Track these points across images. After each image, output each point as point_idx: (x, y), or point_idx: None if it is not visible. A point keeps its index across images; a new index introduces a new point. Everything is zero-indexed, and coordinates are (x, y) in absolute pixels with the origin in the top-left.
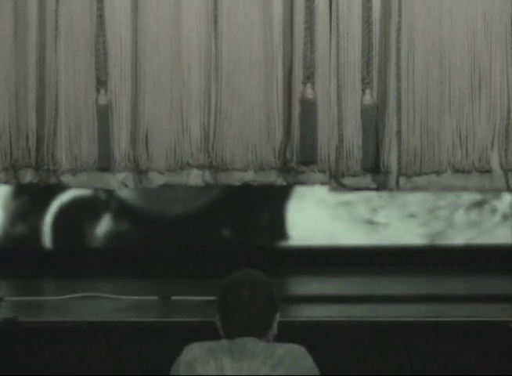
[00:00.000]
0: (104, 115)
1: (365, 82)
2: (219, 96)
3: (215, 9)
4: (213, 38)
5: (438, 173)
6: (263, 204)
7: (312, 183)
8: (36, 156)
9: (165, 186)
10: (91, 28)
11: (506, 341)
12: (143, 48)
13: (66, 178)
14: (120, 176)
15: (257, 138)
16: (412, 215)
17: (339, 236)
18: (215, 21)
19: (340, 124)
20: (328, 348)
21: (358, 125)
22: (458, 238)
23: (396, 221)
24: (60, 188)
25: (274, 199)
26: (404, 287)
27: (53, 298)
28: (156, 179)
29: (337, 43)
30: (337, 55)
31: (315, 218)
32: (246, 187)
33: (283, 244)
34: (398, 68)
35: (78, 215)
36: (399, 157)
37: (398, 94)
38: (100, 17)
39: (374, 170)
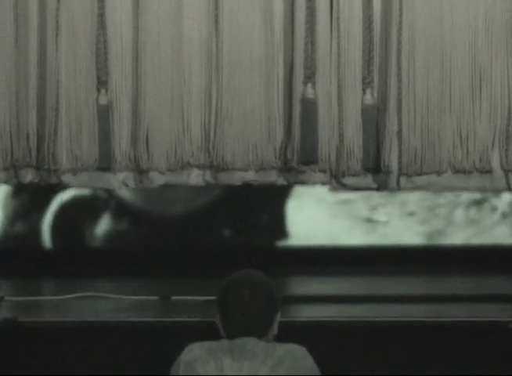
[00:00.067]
0: (105, 115)
1: (366, 82)
2: (220, 96)
3: (216, 8)
4: (214, 38)
5: (439, 173)
6: (263, 203)
7: (313, 183)
8: (37, 155)
9: (165, 186)
10: (92, 27)
11: (506, 341)
12: (144, 47)
13: (66, 178)
14: (121, 176)
15: (258, 137)
16: (411, 214)
17: (339, 235)
18: (216, 20)
19: (340, 124)
20: (328, 348)
21: (359, 125)
22: (458, 237)
23: (396, 219)
24: (60, 187)
25: (274, 199)
26: (404, 287)
27: (53, 298)
28: (157, 179)
29: (338, 43)
30: (338, 54)
31: (314, 217)
32: (245, 187)
33: (283, 243)
34: (399, 68)
35: (78, 214)
36: (400, 156)
37: (399, 94)
38: (101, 16)
39: (375, 170)
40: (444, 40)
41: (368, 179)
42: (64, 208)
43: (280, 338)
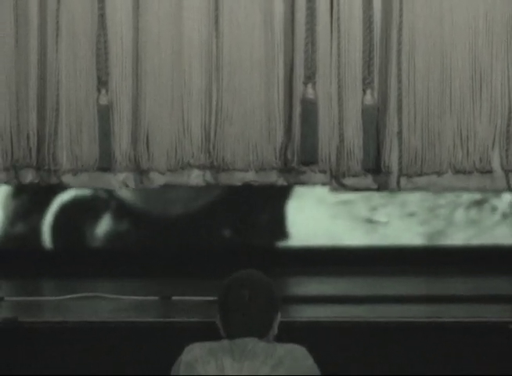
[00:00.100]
0: (105, 115)
1: (366, 82)
2: (220, 96)
3: (216, 8)
4: (214, 38)
5: (439, 173)
6: (263, 204)
7: (313, 183)
8: (37, 156)
9: (166, 186)
10: (92, 28)
11: (506, 341)
12: (144, 47)
13: (67, 179)
14: (121, 176)
15: (258, 138)
16: (412, 214)
17: (339, 235)
18: (216, 21)
19: (340, 125)
20: (328, 349)
21: (359, 125)
22: (458, 237)
23: (396, 220)
24: (60, 188)
25: (274, 199)
26: (404, 287)
27: (53, 298)
28: (157, 179)
29: (338, 43)
30: (338, 55)
31: (314, 217)
32: (245, 187)
33: (283, 244)
34: (399, 68)
35: (78, 215)
36: (400, 157)
37: (399, 94)
38: (101, 17)
39: (375, 170)
40: (444, 40)
41: (368, 180)
42: (64, 209)
43: (280, 338)
